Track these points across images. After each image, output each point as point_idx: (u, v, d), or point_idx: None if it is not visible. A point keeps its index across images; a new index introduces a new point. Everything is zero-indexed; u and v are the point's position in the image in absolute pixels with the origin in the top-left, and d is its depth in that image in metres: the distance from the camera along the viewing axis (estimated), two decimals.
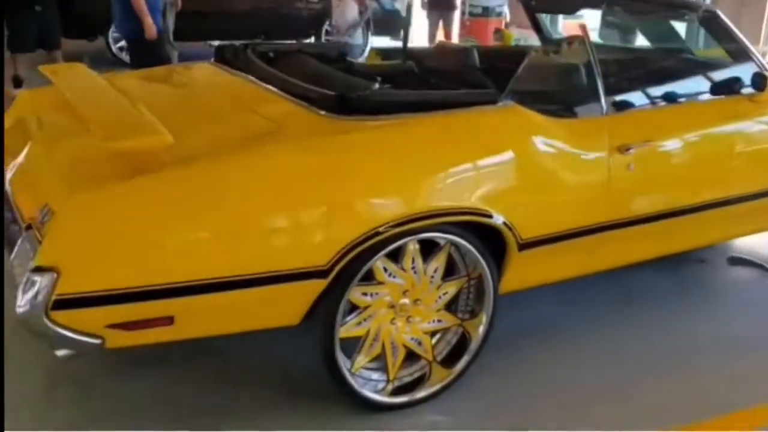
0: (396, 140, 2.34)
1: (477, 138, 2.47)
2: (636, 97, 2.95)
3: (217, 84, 2.95)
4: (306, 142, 2.26)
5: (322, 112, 2.39)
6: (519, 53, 4.07)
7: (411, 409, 2.49)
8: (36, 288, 1.88)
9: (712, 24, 3.02)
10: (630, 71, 3.04)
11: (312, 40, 9.95)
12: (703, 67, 3.30)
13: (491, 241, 2.46)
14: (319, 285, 2.17)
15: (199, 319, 2.11)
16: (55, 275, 1.87)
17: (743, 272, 3.77)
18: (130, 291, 1.94)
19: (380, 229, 2.17)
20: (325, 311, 2.24)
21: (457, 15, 9.66)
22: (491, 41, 8.69)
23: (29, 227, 2.08)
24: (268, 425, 2.39)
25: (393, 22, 10.46)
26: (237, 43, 3.26)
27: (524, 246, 2.49)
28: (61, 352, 2.06)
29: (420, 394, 2.50)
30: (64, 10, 7.25)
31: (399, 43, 9.70)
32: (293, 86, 2.62)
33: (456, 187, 2.34)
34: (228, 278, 2.04)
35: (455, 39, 9.65)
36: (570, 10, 3.66)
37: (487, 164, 2.43)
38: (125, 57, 8.81)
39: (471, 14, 9.19)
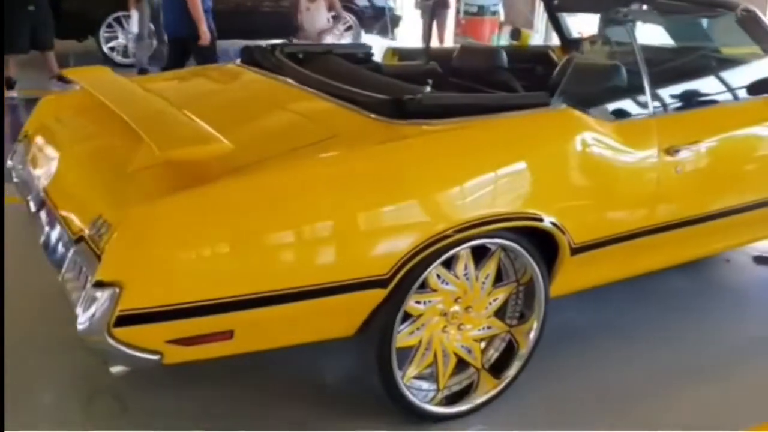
0: (456, 145, 2.28)
1: (534, 142, 2.43)
2: (679, 98, 2.92)
3: (256, 86, 2.86)
4: (367, 148, 2.19)
5: (373, 116, 2.32)
6: (540, 54, 4.10)
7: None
8: (97, 304, 1.79)
9: (750, 23, 3.01)
10: (670, 71, 3.01)
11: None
12: (739, 66, 3.29)
13: (541, 245, 2.42)
14: (379, 295, 2.11)
15: (259, 332, 2.04)
16: (117, 290, 1.79)
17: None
18: (193, 305, 1.87)
19: (447, 234, 2.12)
20: (382, 321, 2.18)
21: (451, 14, 9.62)
22: (487, 40, 8.68)
23: (80, 239, 2.00)
24: None
25: (383, 20, 10.38)
26: (264, 43, 3.18)
27: (577, 250, 2.45)
28: (116, 369, 1.98)
29: (477, 401, 2.46)
30: (53, 9, 7.11)
31: (391, 42, 9.71)
32: (337, 89, 2.55)
33: (515, 191, 2.30)
34: (289, 290, 1.97)
35: (450, 38, 9.62)
36: (595, 9, 3.62)
37: (542, 168, 2.39)
38: (116, 57, 8.72)
39: (466, 13, 9.16)
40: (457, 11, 9.40)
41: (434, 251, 2.14)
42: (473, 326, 2.42)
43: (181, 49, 5.99)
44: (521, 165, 2.34)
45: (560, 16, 4.07)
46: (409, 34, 10.67)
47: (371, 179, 2.12)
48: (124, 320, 1.80)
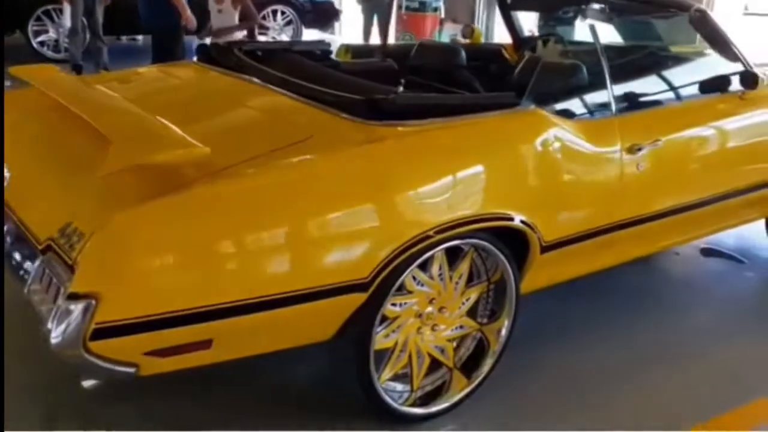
0: (435, 146, 2.27)
1: (507, 142, 2.45)
2: (639, 97, 2.97)
3: (222, 86, 2.77)
4: (347, 150, 2.16)
5: (346, 116, 2.29)
6: (492, 52, 4.13)
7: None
8: (72, 317, 1.71)
9: (701, 23, 3.10)
10: (629, 70, 3.07)
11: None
12: (694, 64, 3.38)
13: (512, 244, 2.44)
14: (359, 298, 2.08)
15: (238, 340, 1.99)
16: (93, 302, 1.70)
17: (716, 263, 3.90)
18: (171, 315, 1.80)
19: (428, 235, 2.11)
20: (360, 325, 2.16)
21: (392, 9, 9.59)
22: (429, 36, 8.72)
23: (48, 249, 1.90)
24: None
25: (324, 15, 10.27)
26: (220, 41, 3.10)
27: (546, 248, 2.48)
28: (88, 382, 1.90)
29: (450, 400, 2.46)
30: None
31: (334, 37, 9.60)
32: (305, 89, 2.50)
33: (490, 191, 2.31)
34: (271, 296, 1.92)
35: (391, 34, 9.59)
36: (549, 8, 3.66)
37: (514, 168, 2.42)
38: (47, 52, 8.38)
39: (408, 9, 9.16)
40: (399, 7, 9.39)
41: (414, 253, 2.12)
42: (447, 326, 2.43)
43: (168, 41, 5.77)
44: (496, 165, 2.35)
45: (513, 14, 4.10)
46: (350, 28, 10.60)
47: (352, 181, 2.09)
48: (101, 333, 1.73)
